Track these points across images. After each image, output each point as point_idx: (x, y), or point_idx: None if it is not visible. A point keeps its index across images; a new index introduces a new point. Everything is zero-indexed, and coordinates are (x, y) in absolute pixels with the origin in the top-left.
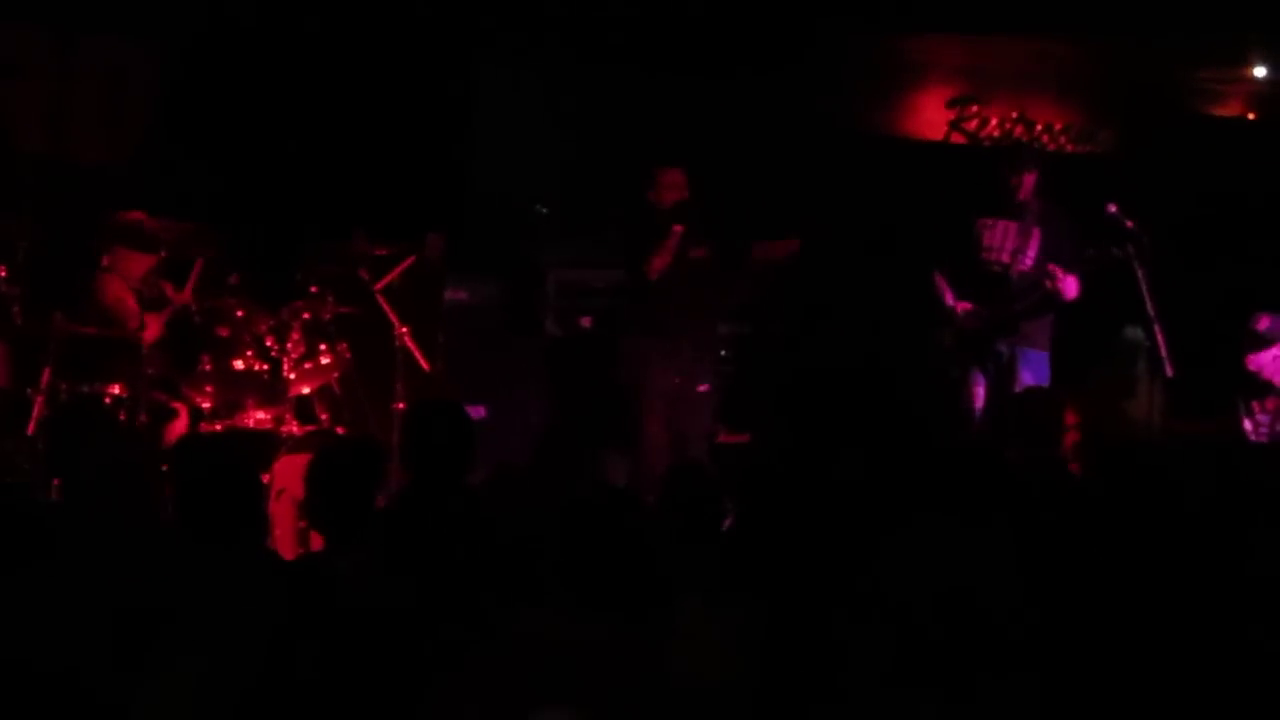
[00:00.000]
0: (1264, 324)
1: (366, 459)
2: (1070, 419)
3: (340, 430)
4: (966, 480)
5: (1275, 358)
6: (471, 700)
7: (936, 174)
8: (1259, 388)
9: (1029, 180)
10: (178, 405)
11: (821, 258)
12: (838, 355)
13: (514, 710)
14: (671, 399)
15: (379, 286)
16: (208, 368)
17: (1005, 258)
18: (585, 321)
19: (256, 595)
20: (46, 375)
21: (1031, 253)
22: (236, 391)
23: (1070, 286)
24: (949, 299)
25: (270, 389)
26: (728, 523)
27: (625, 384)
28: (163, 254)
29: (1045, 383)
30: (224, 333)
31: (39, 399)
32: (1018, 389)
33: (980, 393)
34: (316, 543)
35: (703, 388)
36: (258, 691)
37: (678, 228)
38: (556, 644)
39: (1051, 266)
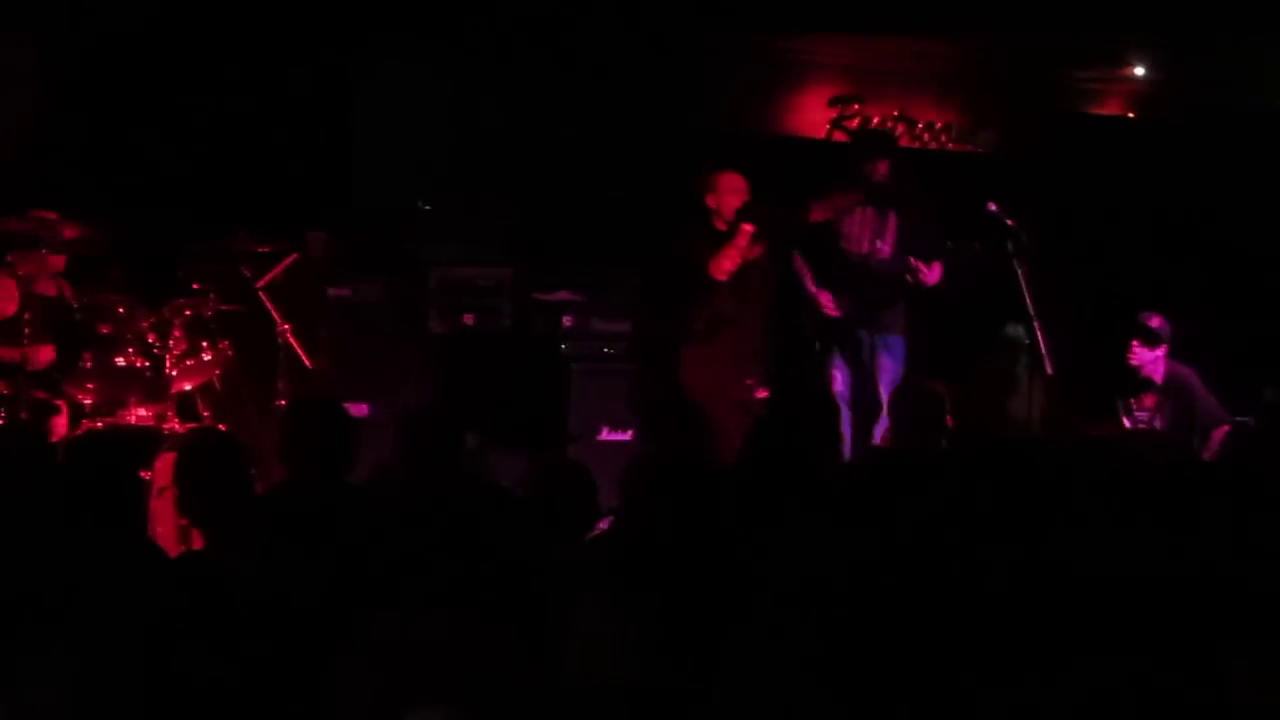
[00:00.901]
0: (1156, 322)
1: (224, 452)
2: (950, 414)
3: (222, 427)
4: (844, 477)
5: (1158, 357)
6: (345, 702)
7: (818, 172)
8: (1139, 384)
9: (882, 167)
10: (59, 402)
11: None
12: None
13: (386, 712)
14: (741, 402)
15: (261, 284)
16: (89, 365)
17: (864, 246)
18: (468, 318)
19: (137, 592)
20: None
21: (889, 240)
22: (118, 388)
23: (932, 275)
24: (810, 285)
25: (152, 386)
26: (608, 521)
27: (696, 393)
28: (60, 255)
29: (902, 366)
30: (106, 330)
31: None
32: (880, 376)
33: (840, 377)
34: (199, 540)
35: (761, 393)
36: (137, 690)
37: (748, 227)
38: (431, 644)
39: (913, 261)
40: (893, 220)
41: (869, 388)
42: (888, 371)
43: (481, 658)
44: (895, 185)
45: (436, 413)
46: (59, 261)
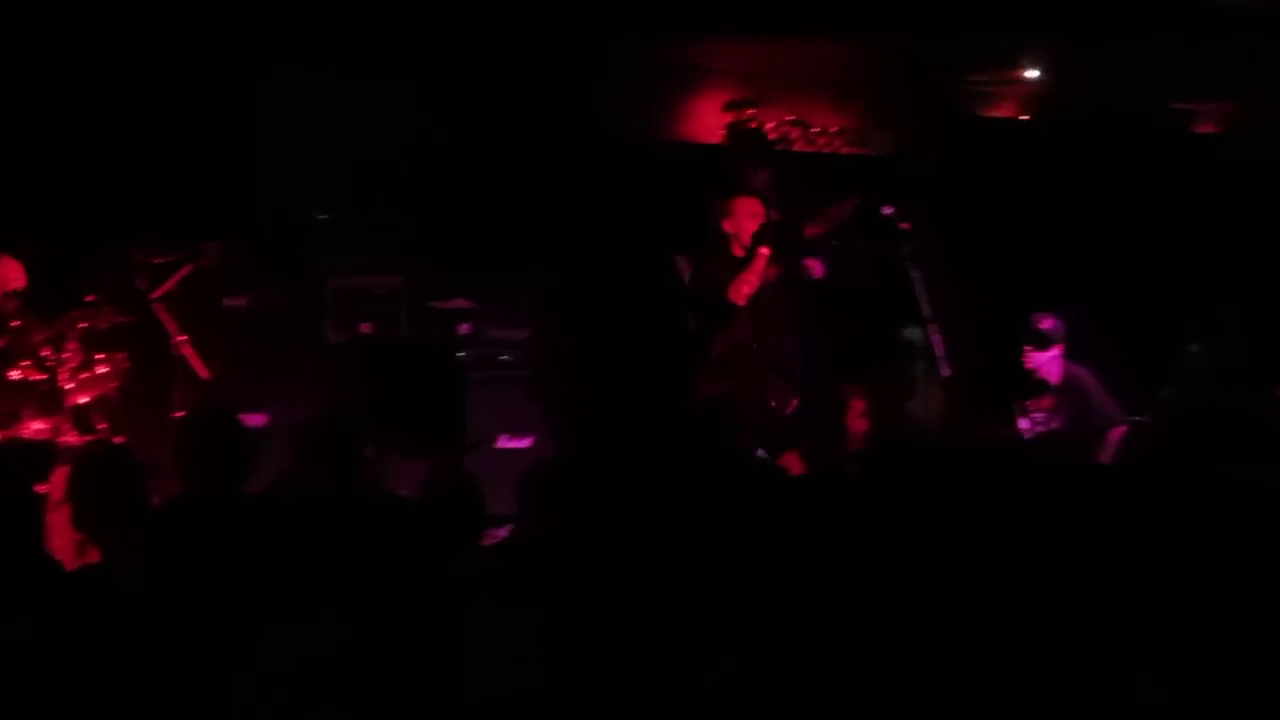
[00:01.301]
0: (1047, 324)
1: (118, 465)
2: (858, 417)
3: (118, 440)
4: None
5: (1053, 358)
6: (241, 715)
7: (716, 178)
8: (1035, 386)
9: (761, 173)
10: None
11: (595, 261)
12: (599, 354)
13: None
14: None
15: (157, 295)
16: None
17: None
18: (365, 327)
19: (33, 606)
20: None
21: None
22: (13, 402)
23: (816, 268)
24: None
25: (48, 399)
26: (507, 529)
27: (724, 407)
28: None
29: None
30: None
31: None
32: None
33: None
34: (96, 554)
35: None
36: (36, 703)
37: (765, 250)
38: (328, 655)
39: (808, 261)
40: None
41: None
42: None
43: (379, 668)
44: (777, 190)
45: (334, 422)
46: None
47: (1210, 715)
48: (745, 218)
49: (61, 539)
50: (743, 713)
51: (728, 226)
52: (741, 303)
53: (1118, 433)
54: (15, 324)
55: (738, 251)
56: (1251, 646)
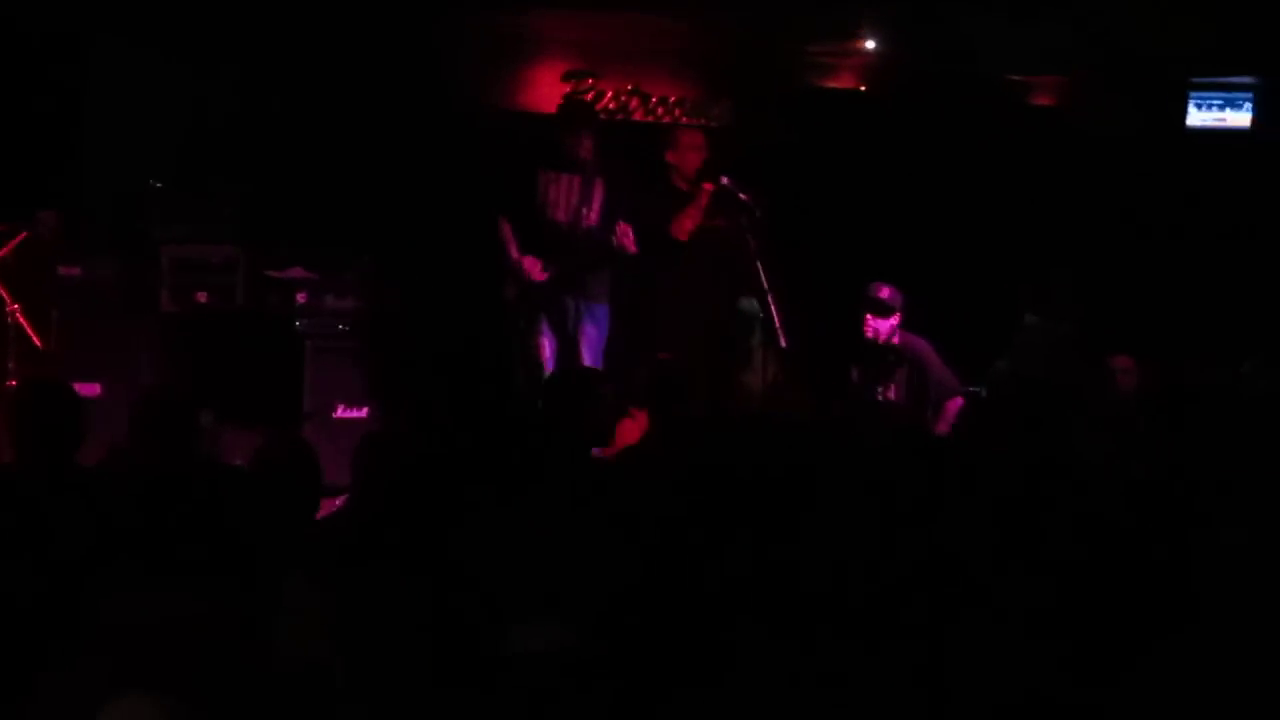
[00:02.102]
0: (885, 293)
1: None
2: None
3: None
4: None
5: (892, 327)
6: (58, 686)
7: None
8: (875, 353)
9: (587, 142)
10: None
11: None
12: (425, 328)
13: (100, 698)
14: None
15: None
16: None
17: (568, 214)
18: (201, 297)
19: None
20: None
21: (595, 209)
22: None
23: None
24: (513, 252)
25: None
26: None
27: (665, 358)
28: None
29: (606, 335)
30: None
31: None
32: (583, 342)
33: (547, 344)
34: None
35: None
36: None
37: (709, 186)
38: (147, 627)
39: (621, 225)
40: (599, 190)
41: (573, 355)
42: (591, 339)
43: (198, 641)
44: (601, 158)
45: (168, 392)
46: None
47: (1042, 687)
48: (689, 150)
49: None
50: (542, 692)
51: (670, 158)
52: (683, 238)
53: (955, 403)
54: None
55: (680, 185)
56: (1072, 617)
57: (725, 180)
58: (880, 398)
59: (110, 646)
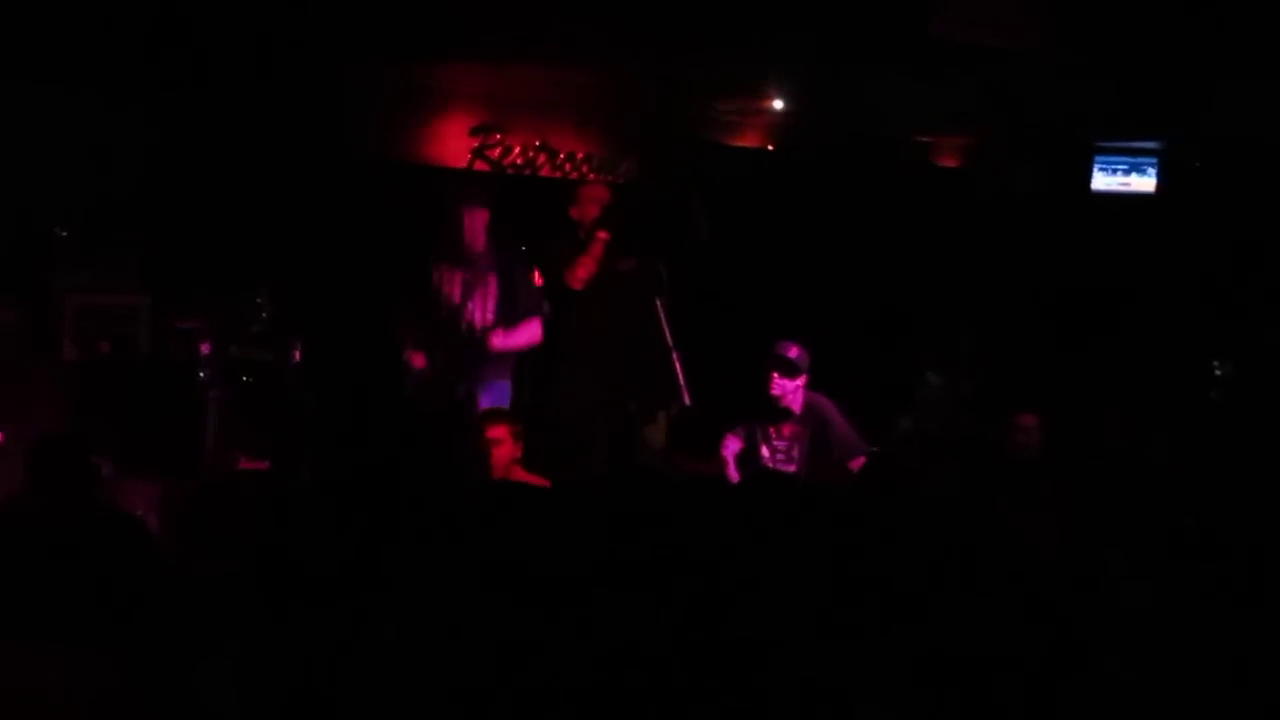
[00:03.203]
0: (794, 352)
1: None
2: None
3: None
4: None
5: (798, 387)
6: None
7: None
8: (778, 414)
9: (480, 221)
10: None
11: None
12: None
13: None
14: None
15: None
16: None
17: (451, 308)
18: (104, 345)
19: None
20: None
21: (490, 305)
22: None
23: (512, 338)
24: (410, 353)
25: None
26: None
27: (563, 411)
28: None
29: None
30: None
31: None
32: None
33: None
34: None
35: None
36: None
37: (603, 234)
38: (45, 682)
39: (488, 326)
40: (493, 285)
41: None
42: None
43: (96, 696)
44: (497, 246)
45: (68, 440)
46: None
47: None
48: (588, 203)
49: None
50: None
51: (574, 213)
52: (578, 286)
53: (858, 462)
54: None
55: (579, 235)
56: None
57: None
58: (783, 456)
59: (5, 695)
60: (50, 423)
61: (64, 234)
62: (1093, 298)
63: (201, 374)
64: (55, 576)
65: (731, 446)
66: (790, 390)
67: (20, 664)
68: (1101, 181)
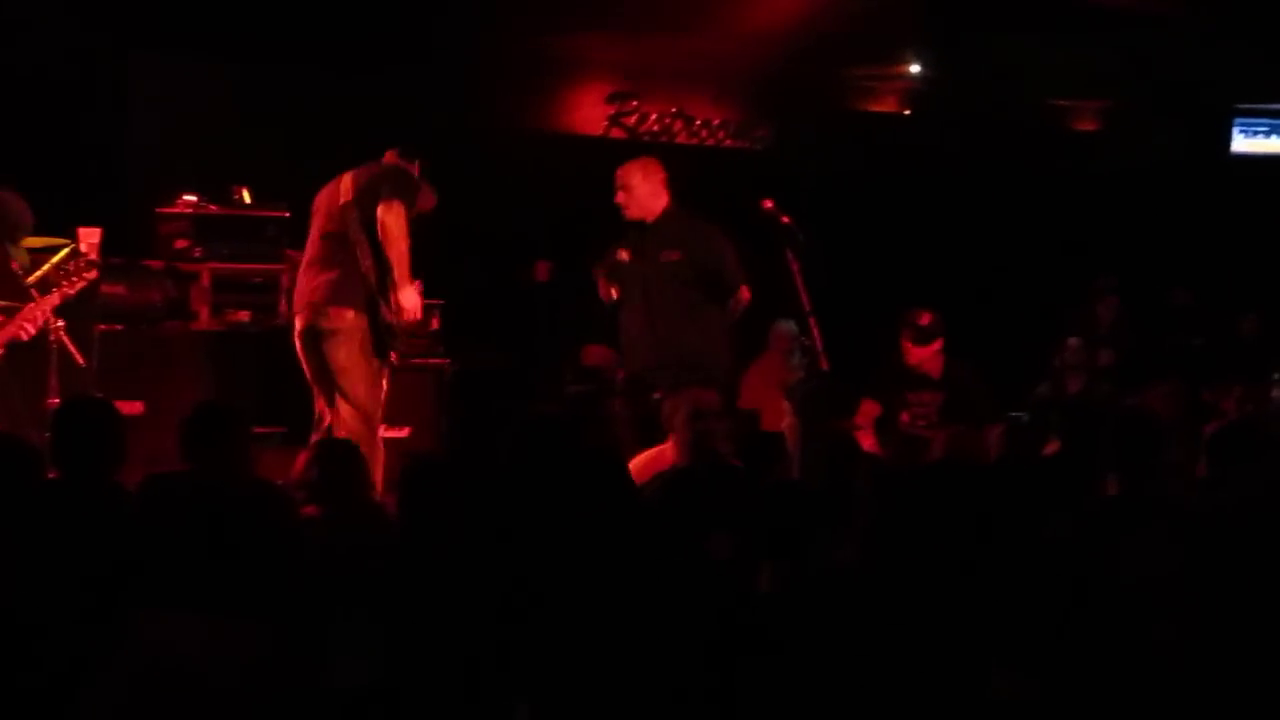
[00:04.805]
0: (926, 319)
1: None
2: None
3: None
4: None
5: (934, 353)
6: (105, 710)
7: (597, 169)
8: (916, 380)
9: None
10: None
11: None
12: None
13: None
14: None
15: (31, 280)
16: None
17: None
18: (242, 315)
19: None
20: None
21: None
22: None
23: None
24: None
25: None
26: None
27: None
28: None
29: None
30: None
31: None
32: None
33: None
34: None
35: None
36: None
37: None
38: (193, 649)
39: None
40: None
41: None
42: None
43: (246, 665)
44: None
45: (223, 409)
46: None
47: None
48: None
49: None
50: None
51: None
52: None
53: (995, 430)
54: None
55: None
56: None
57: (767, 204)
58: (923, 423)
59: (153, 668)
60: (188, 393)
61: (201, 202)
62: (1231, 262)
63: None
64: (210, 546)
65: (870, 412)
66: (927, 356)
67: (173, 634)
68: (1242, 144)
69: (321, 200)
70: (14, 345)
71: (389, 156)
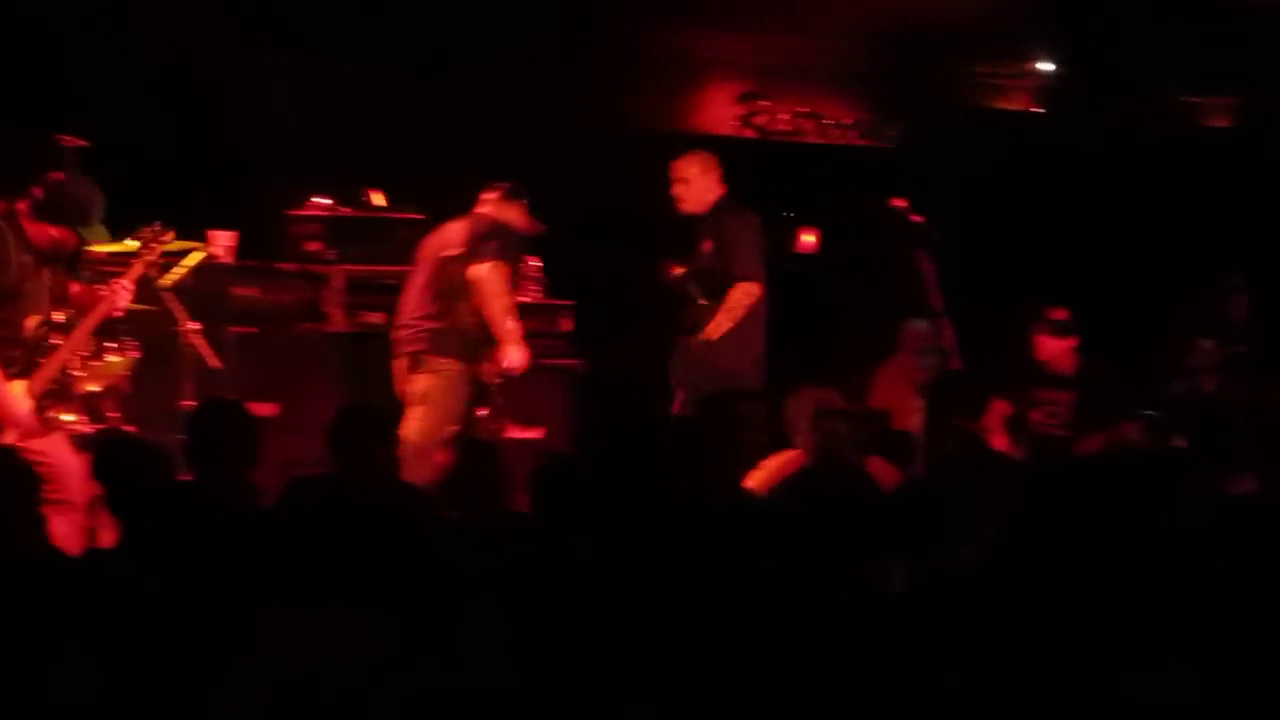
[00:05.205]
0: (1061, 314)
1: (145, 454)
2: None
3: (130, 429)
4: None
5: (1068, 350)
6: (237, 710)
7: (728, 169)
8: (1049, 379)
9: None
10: None
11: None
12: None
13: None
14: None
15: (166, 283)
16: None
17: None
18: (375, 317)
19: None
20: None
21: None
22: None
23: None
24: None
25: (58, 387)
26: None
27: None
28: None
29: None
30: None
31: None
32: None
33: None
34: (106, 539)
35: None
36: (37, 690)
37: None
38: (328, 650)
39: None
40: None
41: None
42: None
43: (375, 663)
44: None
45: (369, 411)
46: None
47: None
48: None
49: (67, 527)
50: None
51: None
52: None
53: (1131, 427)
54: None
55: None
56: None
57: (898, 203)
58: (1055, 420)
59: (288, 665)
60: (321, 395)
61: (333, 204)
62: None
63: None
64: (352, 548)
65: (1001, 411)
66: (1062, 351)
67: (307, 634)
68: None
69: (428, 249)
70: (149, 347)
71: (491, 196)
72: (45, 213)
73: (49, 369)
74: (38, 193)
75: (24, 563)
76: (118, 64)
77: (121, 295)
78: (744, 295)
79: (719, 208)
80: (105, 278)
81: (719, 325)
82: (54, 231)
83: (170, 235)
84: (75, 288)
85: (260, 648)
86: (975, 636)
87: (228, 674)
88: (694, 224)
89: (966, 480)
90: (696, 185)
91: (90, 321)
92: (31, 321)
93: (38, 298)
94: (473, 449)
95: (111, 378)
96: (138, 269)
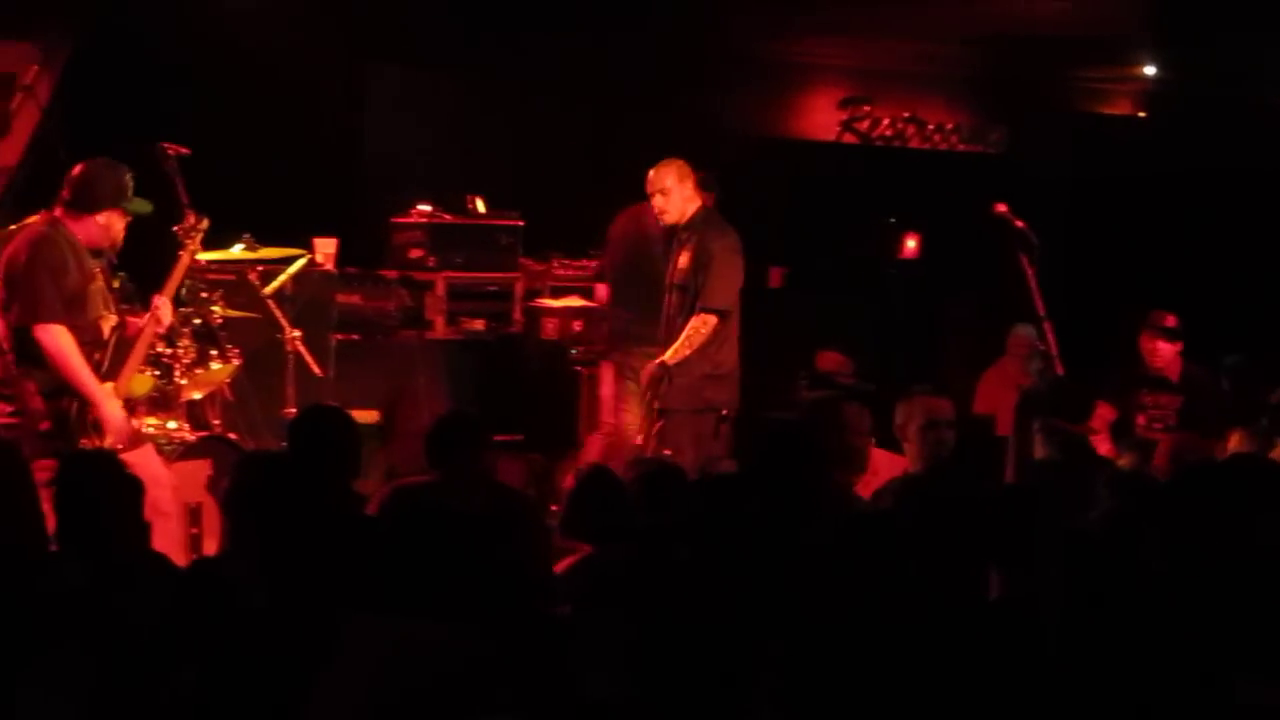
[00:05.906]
0: (1171, 320)
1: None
2: None
3: (233, 436)
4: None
5: (1175, 354)
6: (335, 709)
7: (829, 173)
8: (1154, 383)
9: None
10: None
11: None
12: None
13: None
14: None
15: (269, 290)
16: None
17: None
18: (477, 324)
19: (137, 604)
20: None
21: None
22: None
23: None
24: None
25: (161, 395)
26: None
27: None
28: None
29: None
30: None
31: None
32: None
33: None
34: (210, 548)
35: None
36: (145, 697)
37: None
38: (425, 655)
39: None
40: None
41: None
42: None
43: (479, 672)
44: None
45: (468, 419)
46: None
47: None
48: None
49: (170, 534)
50: None
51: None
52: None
53: (1236, 435)
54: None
55: None
56: None
57: (1001, 207)
58: (1160, 425)
59: (384, 671)
60: (424, 401)
61: (435, 212)
62: None
63: (573, 351)
64: (458, 555)
65: (1105, 416)
66: (1168, 358)
67: (407, 641)
68: None
69: (624, 235)
70: (251, 354)
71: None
72: (83, 205)
73: (121, 383)
74: (65, 193)
75: (129, 568)
76: (222, 73)
77: (164, 313)
78: (701, 324)
79: (699, 221)
80: (212, 286)
81: (678, 351)
82: (99, 219)
83: (207, 221)
84: (129, 319)
85: (355, 654)
86: (1081, 642)
87: (329, 680)
88: (672, 233)
89: (1068, 486)
90: (675, 194)
91: (142, 346)
92: (106, 325)
93: (104, 297)
94: (593, 479)
95: (214, 385)
96: (184, 262)
